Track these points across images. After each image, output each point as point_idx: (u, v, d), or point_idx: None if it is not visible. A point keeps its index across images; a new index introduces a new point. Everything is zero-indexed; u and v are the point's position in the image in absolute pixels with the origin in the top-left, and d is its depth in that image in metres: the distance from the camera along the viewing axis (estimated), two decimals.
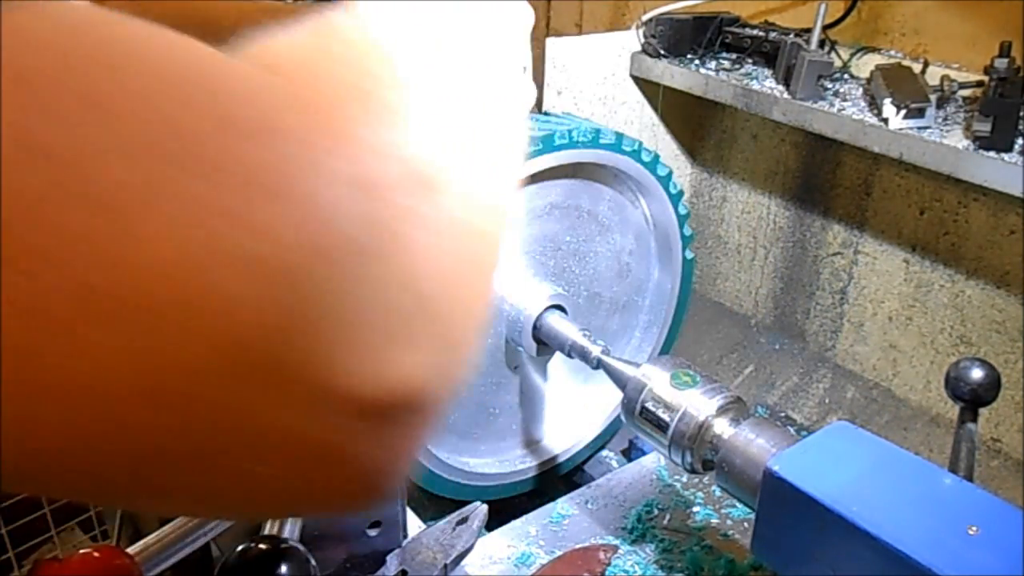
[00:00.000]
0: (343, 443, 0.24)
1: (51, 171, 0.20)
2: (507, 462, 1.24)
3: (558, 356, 1.17)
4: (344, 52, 0.27)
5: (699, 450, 0.89)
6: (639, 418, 0.94)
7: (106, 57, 0.22)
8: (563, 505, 1.13)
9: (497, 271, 0.31)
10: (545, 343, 1.12)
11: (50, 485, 0.28)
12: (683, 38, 1.52)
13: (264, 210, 0.22)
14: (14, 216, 0.20)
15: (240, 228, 0.22)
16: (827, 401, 1.54)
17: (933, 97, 1.21)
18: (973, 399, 0.80)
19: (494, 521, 0.97)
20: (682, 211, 1.21)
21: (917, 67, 1.31)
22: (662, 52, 1.52)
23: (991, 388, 0.80)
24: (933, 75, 1.29)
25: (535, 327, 1.11)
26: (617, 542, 1.06)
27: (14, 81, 0.20)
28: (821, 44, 1.37)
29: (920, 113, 1.20)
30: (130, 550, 0.60)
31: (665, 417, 0.91)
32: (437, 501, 1.18)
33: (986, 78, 1.15)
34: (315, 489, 0.26)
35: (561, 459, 1.29)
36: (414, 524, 0.88)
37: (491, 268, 0.30)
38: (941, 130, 1.20)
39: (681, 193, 1.20)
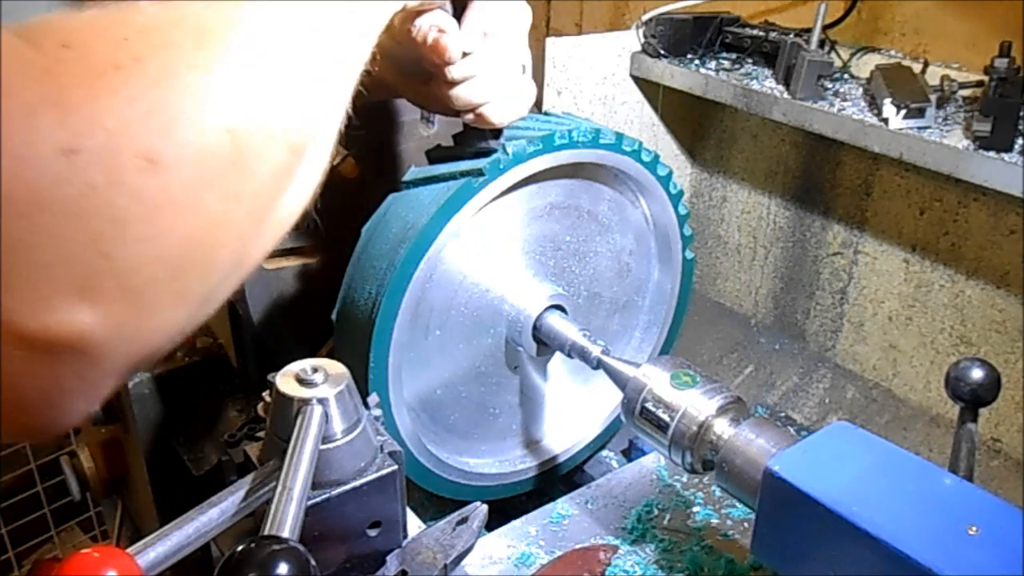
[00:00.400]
0: (5, 369, 0.25)
1: None
2: (507, 462, 1.24)
3: (558, 356, 1.17)
4: (120, 35, 0.28)
5: (699, 450, 0.89)
6: (639, 418, 0.94)
7: None
8: (563, 505, 1.13)
9: (230, 257, 0.32)
10: (545, 343, 1.12)
11: None
12: (683, 38, 1.52)
13: None
14: None
15: None
16: (827, 401, 1.54)
17: (933, 97, 1.21)
18: (973, 399, 0.80)
19: (494, 521, 0.97)
20: (682, 211, 1.21)
21: (917, 67, 1.31)
22: (662, 52, 1.52)
23: (991, 388, 0.80)
24: (933, 75, 1.29)
25: (535, 327, 1.11)
26: (617, 542, 1.06)
27: None
28: (821, 44, 1.37)
29: (920, 113, 1.20)
30: (130, 550, 0.60)
31: (665, 417, 0.91)
32: (437, 501, 1.18)
33: (986, 78, 1.15)
34: None
35: (561, 459, 1.29)
36: (414, 524, 0.88)
37: (213, 251, 0.31)
38: (941, 130, 1.20)
39: (681, 193, 1.20)
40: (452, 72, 0.86)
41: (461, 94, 0.89)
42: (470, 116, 0.93)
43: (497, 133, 0.99)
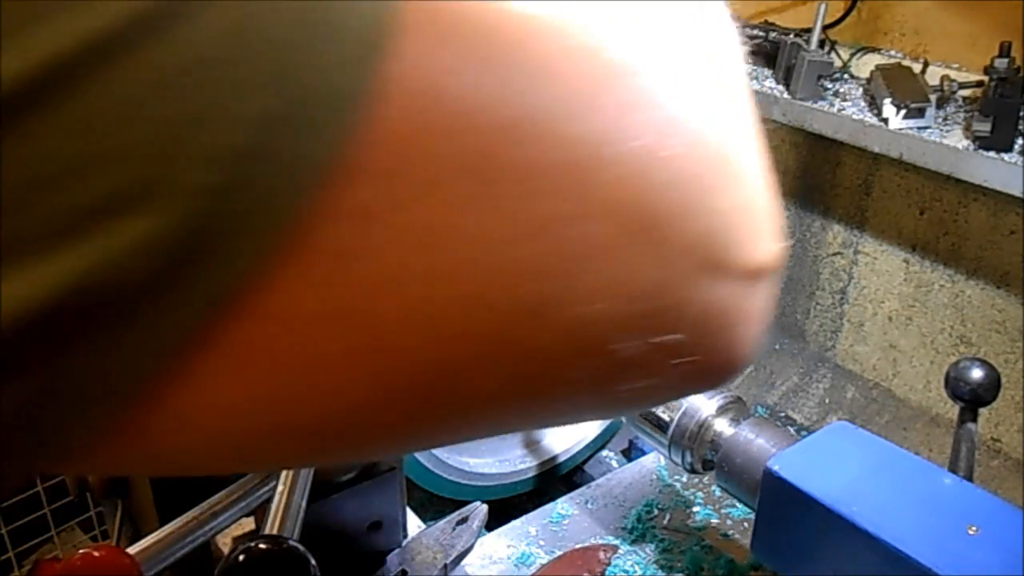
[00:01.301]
0: (738, 305, 0.28)
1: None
2: (507, 462, 1.24)
3: None
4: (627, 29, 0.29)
5: (699, 450, 0.89)
6: (639, 418, 0.95)
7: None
8: (563, 505, 1.13)
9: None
10: None
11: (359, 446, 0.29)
12: None
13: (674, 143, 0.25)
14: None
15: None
16: (827, 401, 1.54)
17: (933, 97, 1.21)
18: (973, 399, 0.80)
19: (494, 521, 0.97)
20: None
21: (917, 67, 1.31)
22: None
23: (991, 388, 0.80)
24: (933, 75, 1.29)
25: None
26: (617, 542, 1.06)
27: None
28: (821, 44, 1.37)
29: (920, 113, 1.20)
30: (130, 550, 0.60)
31: (665, 417, 0.91)
32: (437, 501, 1.18)
33: (986, 78, 1.15)
34: (709, 356, 0.29)
35: (561, 459, 1.29)
36: (414, 524, 0.88)
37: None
38: (941, 130, 1.20)
39: None
40: None
41: None
42: None
43: None
